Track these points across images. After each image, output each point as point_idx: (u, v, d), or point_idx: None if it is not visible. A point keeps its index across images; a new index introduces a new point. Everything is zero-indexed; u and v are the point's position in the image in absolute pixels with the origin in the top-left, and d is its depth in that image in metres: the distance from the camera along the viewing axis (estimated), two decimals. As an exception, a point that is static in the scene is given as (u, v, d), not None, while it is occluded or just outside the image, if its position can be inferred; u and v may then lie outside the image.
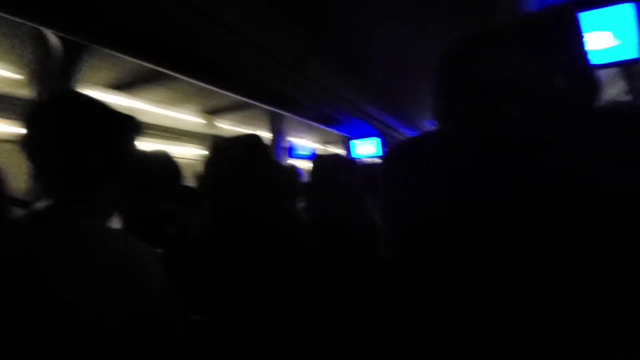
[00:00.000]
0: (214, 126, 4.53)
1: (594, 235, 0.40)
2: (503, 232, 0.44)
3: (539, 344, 0.41)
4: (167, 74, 2.04)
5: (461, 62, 0.53)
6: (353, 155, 4.67)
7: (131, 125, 0.64)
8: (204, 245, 0.94)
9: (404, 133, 5.43)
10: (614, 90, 2.35)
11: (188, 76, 2.04)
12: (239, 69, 2.11)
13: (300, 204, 1.93)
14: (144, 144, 0.81)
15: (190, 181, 1.16)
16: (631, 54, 1.52)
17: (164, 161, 1.08)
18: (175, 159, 1.11)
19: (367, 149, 4.51)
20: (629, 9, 1.47)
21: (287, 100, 2.72)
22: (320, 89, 2.69)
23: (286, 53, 2.14)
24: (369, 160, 4.50)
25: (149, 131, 4.08)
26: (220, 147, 1.05)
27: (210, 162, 1.04)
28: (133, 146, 0.64)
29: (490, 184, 0.46)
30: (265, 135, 3.42)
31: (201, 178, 1.05)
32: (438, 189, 0.49)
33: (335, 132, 4.51)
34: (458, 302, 0.46)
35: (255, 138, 1.05)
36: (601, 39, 1.53)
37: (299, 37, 2.14)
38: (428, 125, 4.86)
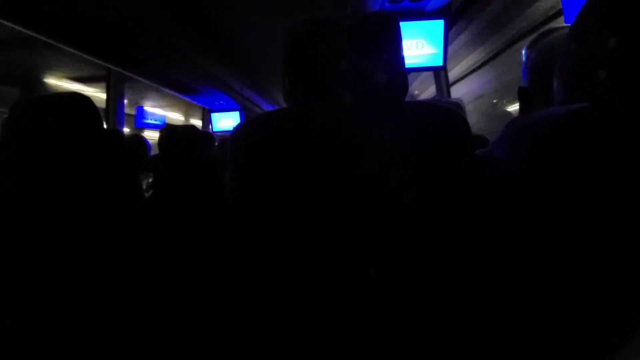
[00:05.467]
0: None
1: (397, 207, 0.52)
2: (333, 203, 0.51)
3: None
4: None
5: (301, 46, 0.56)
6: (214, 129, 4.42)
7: None
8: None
9: (266, 109, 5.48)
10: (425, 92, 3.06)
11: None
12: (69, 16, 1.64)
13: (148, 179, 1.73)
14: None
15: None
16: (438, 62, 1.92)
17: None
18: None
19: (228, 122, 4.34)
20: (440, 24, 1.84)
21: (128, 58, 2.28)
22: (172, 51, 2.38)
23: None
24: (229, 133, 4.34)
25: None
26: (30, 108, 0.80)
27: (11, 126, 0.78)
28: None
29: (321, 160, 0.52)
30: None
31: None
32: (279, 163, 0.52)
33: (195, 102, 4.12)
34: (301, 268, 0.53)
35: (81, 98, 0.85)
36: (417, 46, 1.90)
37: None
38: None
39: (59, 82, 3.66)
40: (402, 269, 0.52)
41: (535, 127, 0.42)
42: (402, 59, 0.57)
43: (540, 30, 0.68)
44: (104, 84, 2.69)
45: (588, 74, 0.39)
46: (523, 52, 0.69)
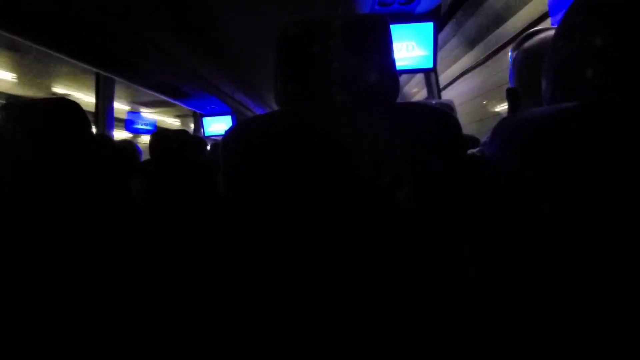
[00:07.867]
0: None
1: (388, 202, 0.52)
2: (322, 202, 0.51)
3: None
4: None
5: (294, 46, 0.56)
6: (206, 133, 4.39)
7: None
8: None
9: (258, 112, 5.45)
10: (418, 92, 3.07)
11: None
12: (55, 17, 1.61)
13: (142, 185, 1.70)
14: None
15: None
16: (429, 64, 1.93)
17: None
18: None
19: (220, 126, 4.32)
20: (430, 27, 1.86)
21: (118, 61, 2.25)
22: (162, 54, 2.36)
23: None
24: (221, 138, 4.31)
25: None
26: (16, 113, 0.78)
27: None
28: None
29: (314, 160, 0.52)
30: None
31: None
32: (271, 165, 0.52)
33: (186, 107, 4.09)
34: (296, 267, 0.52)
35: (68, 103, 0.84)
36: (408, 48, 1.91)
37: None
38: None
39: None
40: (397, 269, 0.52)
41: (525, 126, 0.42)
42: (393, 60, 0.57)
43: (526, 32, 0.69)
44: None
45: (576, 72, 0.40)
46: (509, 53, 0.70)
